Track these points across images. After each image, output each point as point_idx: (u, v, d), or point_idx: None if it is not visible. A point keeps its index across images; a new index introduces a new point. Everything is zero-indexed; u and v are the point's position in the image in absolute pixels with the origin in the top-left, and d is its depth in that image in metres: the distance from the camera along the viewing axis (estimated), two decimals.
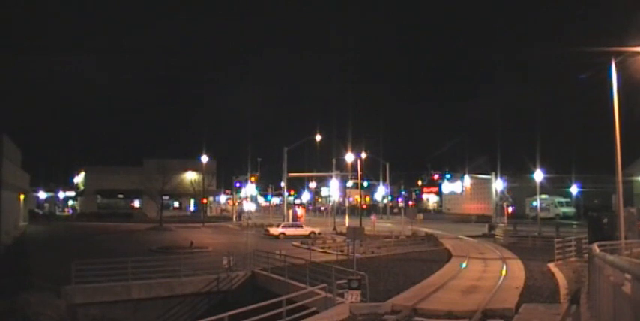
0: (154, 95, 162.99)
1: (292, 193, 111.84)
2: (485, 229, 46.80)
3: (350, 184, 77.03)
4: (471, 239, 41.21)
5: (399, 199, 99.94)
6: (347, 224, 47.97)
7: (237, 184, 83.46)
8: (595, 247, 13.13)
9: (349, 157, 54.56)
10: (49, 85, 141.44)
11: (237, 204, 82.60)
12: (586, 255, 21.41)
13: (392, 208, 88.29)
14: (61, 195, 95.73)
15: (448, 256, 29.38)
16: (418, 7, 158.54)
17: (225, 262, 23.93)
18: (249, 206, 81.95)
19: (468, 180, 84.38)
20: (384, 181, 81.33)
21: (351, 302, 16.02)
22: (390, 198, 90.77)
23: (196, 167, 71.74)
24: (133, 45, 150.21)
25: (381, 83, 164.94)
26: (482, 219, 64.06)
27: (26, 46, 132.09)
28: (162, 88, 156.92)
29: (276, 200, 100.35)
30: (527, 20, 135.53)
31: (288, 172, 56.21)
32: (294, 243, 37.56)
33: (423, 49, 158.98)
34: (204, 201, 69.58)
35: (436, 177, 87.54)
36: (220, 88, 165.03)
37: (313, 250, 31.16)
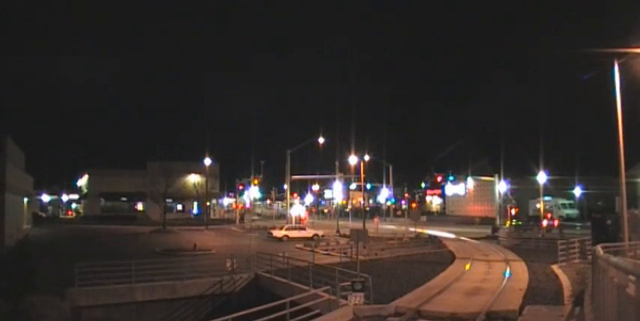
0: (156, 97, 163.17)
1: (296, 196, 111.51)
2: (488, 231, 46.73)
3: (353, 186, 76.93)
4: (474, 241, 41.17)
5: (402, 201, 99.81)
6: (350, 226, 47.91)
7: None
8: (599, 248, 13.07)
9: (352, 160, 54.58)
10: (52, 87, 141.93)
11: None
12: (590, 257, 21.36)
13: (395, 210, 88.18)
14: (65, 198, 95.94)
15: (451, 258, 29.33)
16: (419, 7, 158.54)
17: (228, 264, 23.98)
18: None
19: (471, 182, 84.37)
20: (387, 183, 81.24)
21: (355, 305, 16.00)
22: (393, 200, 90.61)
23: (199, 170, 71.64)
24: (134, 45, 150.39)
25: (382, 84, 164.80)
26: (485, 221, 63.92)
27: (27, 48, 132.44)
28: (164, 89, 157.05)
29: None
30: (528, 20, 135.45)
31: (292, 174, 56.10)
32: (298, 245, 37.54)
33: (424, 49, 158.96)
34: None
35: (439, 179, 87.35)
36: (222, 90, 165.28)
37: (316, 252, 31.15)
